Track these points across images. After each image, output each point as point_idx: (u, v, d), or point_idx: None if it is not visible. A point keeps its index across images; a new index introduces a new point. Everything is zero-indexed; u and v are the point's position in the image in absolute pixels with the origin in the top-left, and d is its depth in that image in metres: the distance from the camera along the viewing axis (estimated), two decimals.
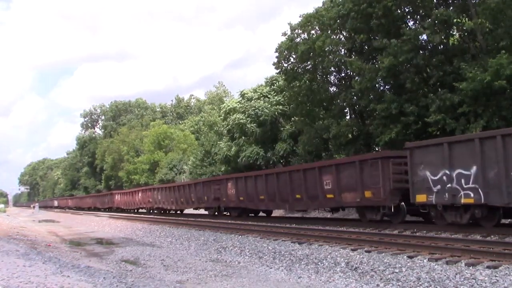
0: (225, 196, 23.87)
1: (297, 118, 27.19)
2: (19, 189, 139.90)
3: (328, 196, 16.78)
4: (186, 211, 33.43)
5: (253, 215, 24.29)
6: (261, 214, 24.71)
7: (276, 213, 25.88)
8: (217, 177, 27.16)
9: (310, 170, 17.90)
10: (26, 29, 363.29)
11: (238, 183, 22.74)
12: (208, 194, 25.87)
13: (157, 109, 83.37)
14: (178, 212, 34.05)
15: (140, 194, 38.29)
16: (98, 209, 53.32)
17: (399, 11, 19.16)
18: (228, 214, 25.35)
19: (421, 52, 18.86)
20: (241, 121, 31.55)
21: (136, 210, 42.41)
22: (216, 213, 26.10)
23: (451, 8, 18.47)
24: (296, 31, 24.73)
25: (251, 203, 21.97)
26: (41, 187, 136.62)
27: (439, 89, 17.83)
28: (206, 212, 28.86)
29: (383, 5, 18.61)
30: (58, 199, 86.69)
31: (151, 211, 36.68)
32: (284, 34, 25.04)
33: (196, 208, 30.18)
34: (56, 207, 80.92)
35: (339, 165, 16.64)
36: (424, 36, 18.75)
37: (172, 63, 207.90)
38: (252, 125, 30.88)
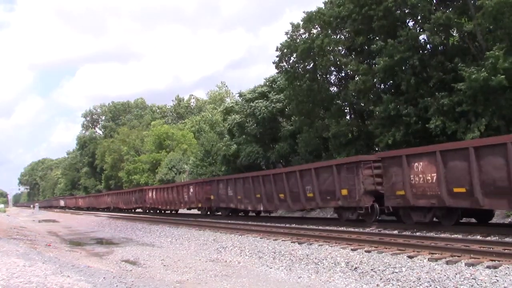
0: (404, 186, 13.54)
1: (296, 118, 27.23)
2: (19, 189, 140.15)
3: None
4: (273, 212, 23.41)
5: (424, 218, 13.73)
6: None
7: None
8: (368, 156, 16.51)
9: None
10: (28, 30, 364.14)
11: (448, 164, 12.41)
12: (349, 185, 15.66)
13: (157, 110, 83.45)
14: (253, 213, 24.21)
15: (191, 189, 28.03)
16: (120, 210, 44.27)
17: (399, 12, 19.16)
18: (398, 218, 14.84)
19: (420, 52, 18.87)
20: (239, 120, 31.92)
21: (175, 211, 33.44)
22: (360, 218, 15.74)
23: (451, 9, 18.48)
24: (298, 30, 24.79)
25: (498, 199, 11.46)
26: (41, 187, 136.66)
27: (437, 93, 17.79)
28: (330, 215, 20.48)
29: (383, 7, 18.66)
30: (65, 198, 76.10)
31: (208, 213, 26.92)
32: (287, 33, 25.11)
33: (308, 209, 20.45)
34: (63, 208, 71.75)
35: None
36: (424, 36, 18.78)
37: (173, 63, 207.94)
38: (251, 122, 30.98)
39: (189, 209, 30.07)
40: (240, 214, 24.67)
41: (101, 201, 52.25)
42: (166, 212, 34.33)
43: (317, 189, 17.11)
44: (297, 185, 18.08)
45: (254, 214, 24.29)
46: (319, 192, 17.08)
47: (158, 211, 35.30)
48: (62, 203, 74.41)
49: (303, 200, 17.97)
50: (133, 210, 42.04)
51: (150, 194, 35.29)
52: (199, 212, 28.54)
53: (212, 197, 25.29)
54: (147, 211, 37.25)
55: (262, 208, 21.33)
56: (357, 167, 15.35)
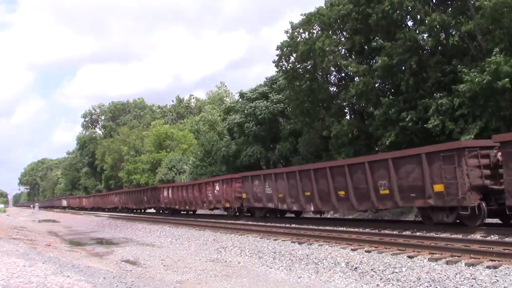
0: None
1: (296, 118, 27.24)
2: (19, 189, 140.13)
3: None
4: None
5: None
6: None
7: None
8: (473, 141, 13.43)
9: None
10: (29, 30, 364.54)
11: None
12: (446, 179, 12.28)
13: (156, 110, 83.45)
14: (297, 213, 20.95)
15: (217, 187, 24.25)
16: (130, 210, 41.20)
17: (397, 13, 19.17)
18: None
19: (420, 52, 18.87)
20: (239, 120, 31.93)
21: (193, 212, 30.58)
22: (458, 221, 12.64)
23: (450, 9, 18.48)
24: (298, 30, 24.81)
25: None
26: (41, 187, 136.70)
27: (435, 93, 17.78)
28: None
29: (381, 10, 18.69)
30: (68, 198, 72.44)
31: (237, 214, 23.31)
32: (286, 32, 25.12)
33: (381, 209, 15.60)
34: (65, 208, 68.86)
35: None
36: (423, 36, 18.79)
37: (174, 63, 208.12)
38: (250, 124, 30.97)
39: (212, 209, 26.54)
40: (277, 215, 21.35)
41: (107, 201, 48.67)
42: (182, 212, 31.53)
43: (395, 184, 13.65)
44: (366, 179, 14.66)
45: (293, 215, 21.28)
46: (398, 188, 13.61)
47: (173, 212, 32.00)
48: (64, 203, 71.23)
49: (373, 198, 14.49)
50: (142, 211, 39.50)
51: (165, 193, 31.80)
52: (225, 213, 25.27)
53: (244, 195, 21.86)
54: (161, 211, 34.21)
55: (313, 209, 17.82)
56: (458, 155, 11.92)
